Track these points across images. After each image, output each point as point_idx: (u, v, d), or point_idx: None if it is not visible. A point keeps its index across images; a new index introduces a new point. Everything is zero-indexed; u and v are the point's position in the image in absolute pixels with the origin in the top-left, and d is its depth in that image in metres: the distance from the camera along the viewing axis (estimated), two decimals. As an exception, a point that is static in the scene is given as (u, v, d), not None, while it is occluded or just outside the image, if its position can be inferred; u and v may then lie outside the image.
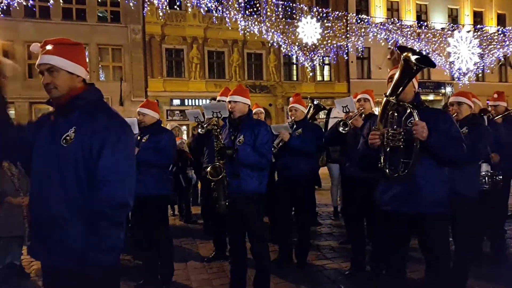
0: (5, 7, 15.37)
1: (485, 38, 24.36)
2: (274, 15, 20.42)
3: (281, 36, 20.47)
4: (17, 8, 16.08)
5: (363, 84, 18.70)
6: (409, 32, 23.46)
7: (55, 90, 1.89)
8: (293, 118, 4.55)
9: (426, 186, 2.48)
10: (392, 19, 23.83)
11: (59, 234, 1.82)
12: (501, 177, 4.08)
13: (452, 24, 25.02)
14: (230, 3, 18.94)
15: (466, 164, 3.10)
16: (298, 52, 21.08)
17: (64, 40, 1.95)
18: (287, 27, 20.79)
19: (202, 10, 18.75)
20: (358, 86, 20.64)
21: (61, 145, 1.84)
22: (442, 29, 24.68)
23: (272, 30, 20.04)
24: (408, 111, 2.47)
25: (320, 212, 7.39)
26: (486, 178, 3.91)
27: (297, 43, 20.56)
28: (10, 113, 2.08)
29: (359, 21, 22.53)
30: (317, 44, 20.67)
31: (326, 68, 24.24)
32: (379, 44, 22.79)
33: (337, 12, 21.76)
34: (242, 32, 19.35)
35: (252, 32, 19.57)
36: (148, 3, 17.83)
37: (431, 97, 25.16)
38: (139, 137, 3.94)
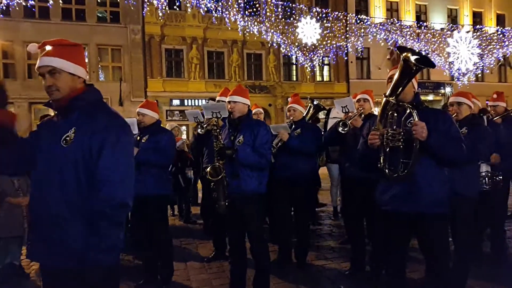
0: (4, 8, 15.37)
1: (485, 38, 24.36)
2: (273, 15, 20.40)
3: (280, 36, 20.48)
4: (17, 8, 16.07)
5: (362, 84, 18.72)
6: (409, 33, 23.46)
7: (57, 92, 1.88)
8: (291, 118, 4.56)
9: (425, 186, 2.47)
10: (391, 19, 23.85)
11: (59, 234, 1.82)
12: (501, 177, 4.10)
13: (451, 25, 25.03)
14: (229, 3, 18.92)
15: (466, 164, 3.11)
16: (297, 52, 21.10)
17: (63, 41, 1.94)
18: (286, 27, 20.78)
19: (201, 11, 18.71)
20: (358, 86, 20.65)
21: (61, 145, 1.84)
22: (442, 29, 24.69)
23: (272, 31, 20.05)
24: (408, 111, 2.47)
25: (320, 212, 7.39)
26: (486, 178, 3.92)
27: (296, 44, 20.57)
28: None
29: (358, 21, 22.54)
30: (317, 44, 20.67)
31: (326, 68, 24.25)
32: (378, 45, 22.81)
33: (337, 13, 21.75)
34: (242, 32, 19.35)
35: (251, 32, 19.57)
36: (148, 3, 17.80)
37: (430, 97, 25.18)
38: (138, 137, 3.94)
